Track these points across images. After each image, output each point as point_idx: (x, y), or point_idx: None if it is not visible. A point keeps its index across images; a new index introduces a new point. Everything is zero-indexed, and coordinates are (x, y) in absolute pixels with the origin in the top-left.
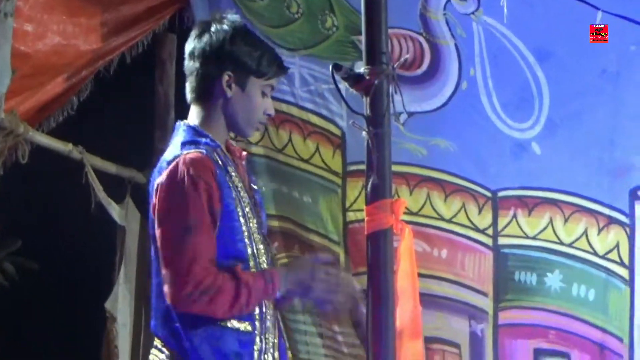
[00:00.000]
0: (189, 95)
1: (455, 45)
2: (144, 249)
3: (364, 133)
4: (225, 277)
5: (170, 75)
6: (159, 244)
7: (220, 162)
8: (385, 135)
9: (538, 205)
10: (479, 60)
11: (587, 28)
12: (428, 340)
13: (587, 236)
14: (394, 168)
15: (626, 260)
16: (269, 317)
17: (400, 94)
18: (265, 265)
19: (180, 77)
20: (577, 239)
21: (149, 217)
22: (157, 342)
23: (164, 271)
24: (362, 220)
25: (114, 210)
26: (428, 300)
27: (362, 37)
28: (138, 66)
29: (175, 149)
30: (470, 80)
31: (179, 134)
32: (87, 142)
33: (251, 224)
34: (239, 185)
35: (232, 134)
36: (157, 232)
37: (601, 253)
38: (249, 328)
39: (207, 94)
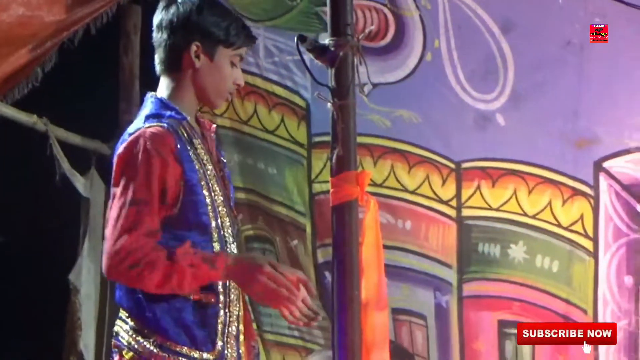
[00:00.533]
0: (158, 67)
1: (420, 16)
2: None
3: (328, 104)
4: (160, 255)
5: (135, 46)
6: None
7: (185, 136)
8: (350, 106)
9: (502, 177)
10: (444, 32)
11: (552, 0)
12: (395, 311)
13: (551, 208)
14: (359, 139)
15: (590, 232)
16: (232, 289)
17: (365, 66)
18: (230, 239)
19: (145, 49)
20: (541, 211)
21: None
22: (121, 313)
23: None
24: (328, 191)
25: (79, 182)
26: (394, 272)
27: (327, 9)
28: (103, 37)
29: (139, 122)
30: (434, 52)
31: (147, 106)
32: (52, 114)
33: (216, 197)
34: (205, 158)
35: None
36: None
37: (565, 225)
38: (212, 300)
39: (175, 65)
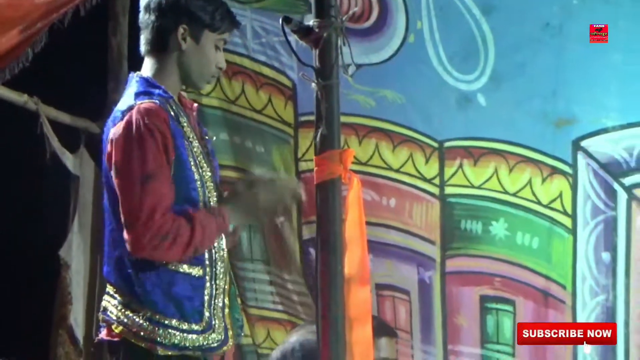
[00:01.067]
0: (143, 48)
1: None
2: (99, 198)
3: (313, 84)
4: (181, 220)
5: (124, 28)
6: (118, 193)
7: (172, 113)
8: (334, 86)
9: (483, 156)
10: (426, 13)
11: None
12: (379, 287)
13: (531, 186)
14: (343, 119)
15: (569, 209)
16: (219, 262)
17: (348, 46)
18: None
19: (133, 30)
20: (521, 189)
21: (102, 166)
22: (109, 289)
23: (124, 219)
24: (314, 170)
25: (68, 160)
26: (377, 248)
27: None
28: (92, 19)
29: (129, 99)
30: (417, 33)
31: (132, 85)
32: (42, 93)
33: (204, 173)
34: (191, 135)
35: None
36: (116, 181)
37: (545, 202)
38: (200, 273)
39: (162, 47)
